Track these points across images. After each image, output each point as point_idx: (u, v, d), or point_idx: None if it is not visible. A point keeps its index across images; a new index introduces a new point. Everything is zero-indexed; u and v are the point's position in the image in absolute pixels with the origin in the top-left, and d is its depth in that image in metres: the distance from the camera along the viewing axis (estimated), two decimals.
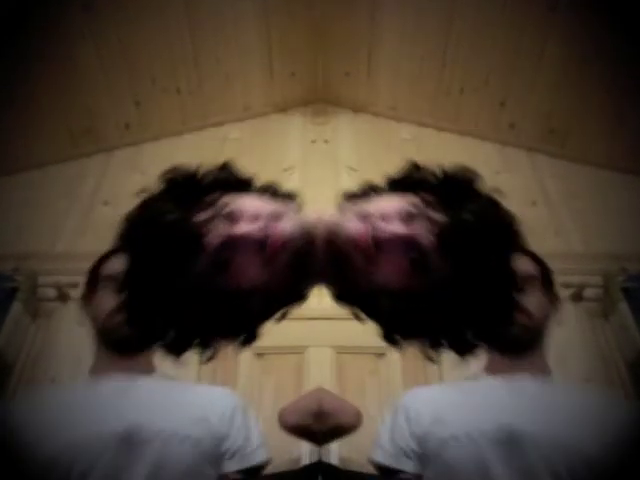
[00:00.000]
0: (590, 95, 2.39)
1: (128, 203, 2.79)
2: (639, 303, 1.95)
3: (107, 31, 2.35)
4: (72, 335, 1.99)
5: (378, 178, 2.81)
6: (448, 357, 1.94)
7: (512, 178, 2.55)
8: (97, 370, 1.10)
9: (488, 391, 1.13)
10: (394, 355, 1.89)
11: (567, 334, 1.99)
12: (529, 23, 2.31)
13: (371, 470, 1.37)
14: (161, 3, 2.35)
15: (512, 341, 1.14)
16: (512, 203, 2.70)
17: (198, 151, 2.68)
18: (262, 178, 2.82)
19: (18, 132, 2.48)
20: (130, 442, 0.97)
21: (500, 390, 1.11)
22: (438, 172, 0.77)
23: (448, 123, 2.73)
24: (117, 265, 1.13)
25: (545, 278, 1.17)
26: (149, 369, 1.16)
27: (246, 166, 2.94)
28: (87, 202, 2.46)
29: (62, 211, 2.41)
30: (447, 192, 0.73)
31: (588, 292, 2.04)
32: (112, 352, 1.12)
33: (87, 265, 2.19)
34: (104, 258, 1.20)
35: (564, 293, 2.06)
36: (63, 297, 2.06)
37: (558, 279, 2.07)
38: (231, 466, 1.08)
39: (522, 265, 1.19)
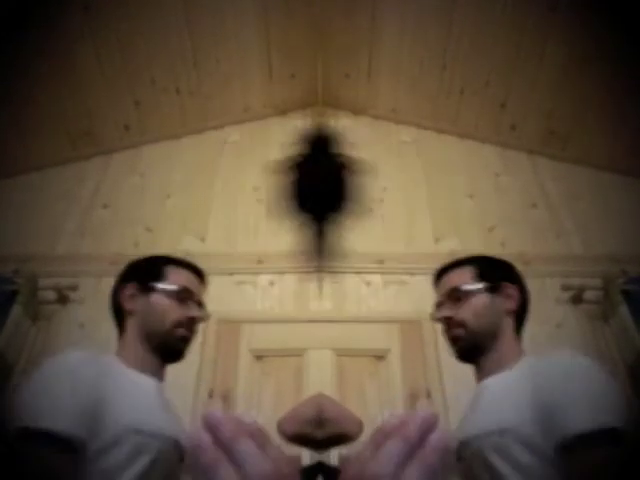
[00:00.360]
0: (591, 97, 2.39)
1: (128, 206, 2.81)
2: (639, 305, 1.94)
3: (106, 33, 2.35)
4: (72, 337, 2.00)
5: (378, 181, 2.81)
6: (447, 357, 1.94)
7: (513, 180, 2.55)
8: (129, 360, 1.10)
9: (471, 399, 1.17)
10: (394, 357, 1.89)
11: (567, 336, 1.99)
12: (529, 25, 2.31)
13: None
14: (160, 4, 2.35)
15: (460, 351, 1.17)
16: (513, 205, 2.73)
17: (198, 153, 2.68)
18: (262, 180, 2.83)
19: (17, 134, 2.48)
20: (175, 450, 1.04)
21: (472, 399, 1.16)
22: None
23: (448, 125, 2.73)
24: (185, 278, 1.18)
25: (486, 278, 1.18)
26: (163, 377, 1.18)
27: (246, 169, 2.94)
28: (86, 204, 2.46)
29: (61, 213, 2.41)
30: None
31: (588, 294, 2.04)
32: (154, 353, 1.13)
33: (87, 268, 2.21)
34: (163, 262, 1.22)
35: (564, 295, 2.06)
36: (63, 299, 2.06)
37: (558, 281, 2.08)
38: None
39: (451, 278, 1.22)
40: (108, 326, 1.99)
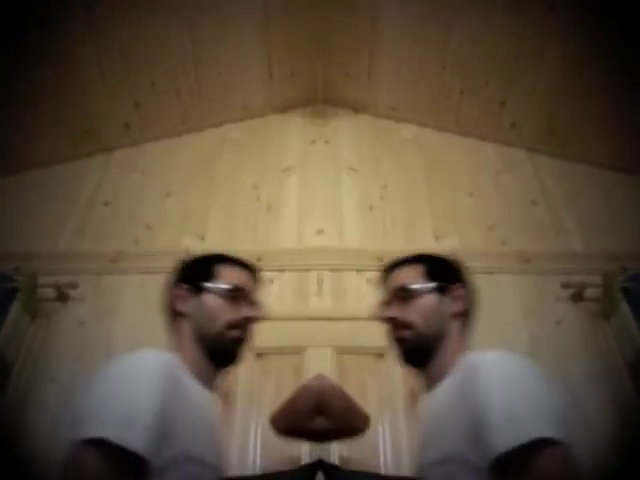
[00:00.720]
0: (591, 95, 2.39)
1: (128, 203, 2.82)
2: (639, 303, 1.94)
3: (107, 33, 2.34)
4: (72, 335, 2.00)
5: (378, 179, 2.82)
6: None
7: (513, 178, 2.55)
8: (187, 363, 1.04)
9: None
10: (394, 355, 1.89)
11: (567, 334, 1.99)
12: (529, 24, 2.31)
13: (371, 470, 1.37)
14: (161, 4, 2.35)
15: (405, 354, 1.12)
16: (513, 203, 2.73)
17: (197, 151, 2.68)
18: (261, 179, 2.84)
19: (19, 133, 2.48)
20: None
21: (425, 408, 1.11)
22: None
23: (449, 123, 2.72)
24: (237, 276, 1.14)
25: (435, 277, 1.13)
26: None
27: (245, 167, 2.95)
28: (87, 202, 2.46)
29: (62, 211, 2.41)
30: None
31: (588, 292, 2.04)
32: (207, 357, 1.07)
33: (87, 265, 2.21)
34: (214, 261, 1.17)
35: (564, 293, 2.06)
36: (63, 297, 2.06)
37: (558, 279, 2.08)
38: None
39: (399, 275, 1.16)
40: (108, 324, 2.01)
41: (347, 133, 2.77)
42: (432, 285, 1.12)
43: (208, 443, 0.98)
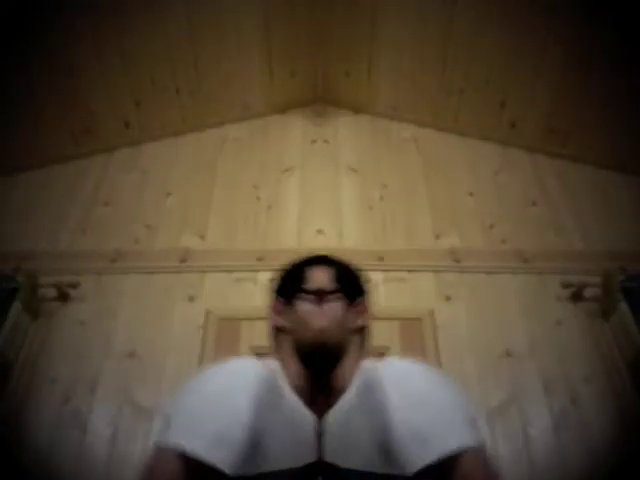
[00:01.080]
0: (590, 94, 2.39)
1: (128, 203, 2.81)
2: (639, 303, 1.95)
3: (107, 32, 2.35)
4: (72, 335, 2.00)
5: (378, 179, 2.82)
6: (447, 355, 1.93)
7: (512, 178, 2.55)
8: (288, 373, 0.98)
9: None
10: (394, 354, 1.89)
11: (567, 334, 1.99)
12: (529, 23, 2.31)
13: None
14: (161, 3, 2.36)
15: (307, 357, 1.00)
16: (513, 202, 2.72)
17: (197, 151, 2.68)
18: (261, 179, 2.83)
19: (19, 132, 2.48)
20: None
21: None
22: None
23: (448, 123, 2.73)
24: (323, 278, 1.04)
25: (343, 286, 1.05)
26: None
27: (245, 167, 2.95)
28: (87, 202, 2.46)
29: (62, 211, 2.41)
30: None
31: (588, 292, 2.04)
32: (301, 363, 0.99)
33: (87, 265, 2.21)
34: (303, 266, 1.10)
35: (564, 293, 2.07)
36: (63, 297, 2.06)
37: (558, 279, 2.08)
38: None
39: (315, 277, 1.06)
40: (109, 324, 2.01)
41: (347, 133, 2.77)
42: (342, 293, 1.04)
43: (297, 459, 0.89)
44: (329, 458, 0.90)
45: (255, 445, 0.84)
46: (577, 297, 2.05)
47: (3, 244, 2.26)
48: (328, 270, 1.08)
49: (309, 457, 0.90)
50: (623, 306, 1.94)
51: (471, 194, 2.48)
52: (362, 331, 1.07)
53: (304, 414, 0.93)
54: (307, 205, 2.43)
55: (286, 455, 0.89)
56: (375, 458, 0.86)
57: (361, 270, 1.15)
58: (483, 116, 2.66)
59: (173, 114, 2.69)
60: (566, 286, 2.05)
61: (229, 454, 0.81)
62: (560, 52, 2.34)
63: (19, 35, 2.21)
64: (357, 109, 2.87)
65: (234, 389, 0.89)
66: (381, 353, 1.87)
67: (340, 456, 0.89)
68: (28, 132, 2.48)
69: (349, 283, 1.08)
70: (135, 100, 2.58)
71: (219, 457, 0.81)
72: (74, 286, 2.07)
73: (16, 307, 1.96)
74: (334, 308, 1.01)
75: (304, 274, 1.07)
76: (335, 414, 0.94)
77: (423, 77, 2.63)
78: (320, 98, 2.88)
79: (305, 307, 1.01)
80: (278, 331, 1.06)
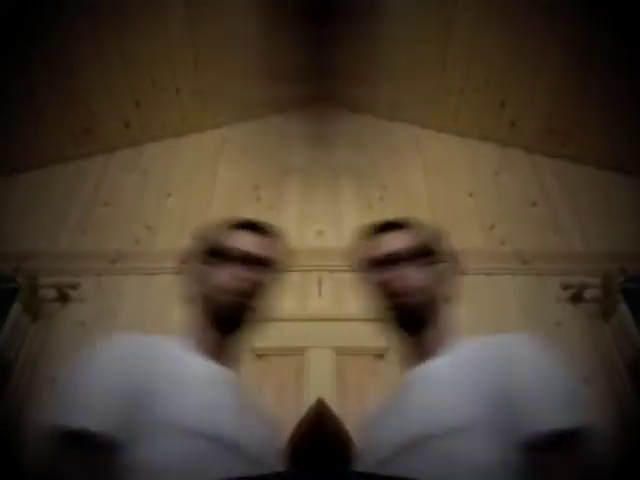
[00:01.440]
0: (590, 95, 2.39)
1: (128, 203, 2.80)
2: (638, 304, 1.95)
3: (107, 31, 2.34)
4: (72, 335, 2.00)
5: (378, 179, 2.80)
6: None
7: (512, 178, 2.55)
8: (193, 338, 1.04)
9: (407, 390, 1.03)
10: (394, 356, 1.89)
11: (567, 335, 1.99)
12: (529, 23, 2.31)
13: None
14: (161, 3, 2.35)
15: (403, 318, 1.04)
16: (512, 203, 2.72)
17: (198, 151, 2.68)
18: (262, 179, 2.82)
19: (19, 132, 2.48)
20: None
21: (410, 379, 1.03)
22: None
23: (448, 123, 2.73)
24: (243, 241, 1.07)
25: (426, 248, 1.07)
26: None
27: (246, 167, 2.93)
28: (87, 202, 2.46)
29: (62, 211, 2.41)
30: None
31: (588, 293, 2.04)
32: (218, 335, 1.04)
33: (87, 265, 2.21)
34: (222, 231, 1.12)
35: (564, 294, 2.07)
36: (63, 297, 2.07)
37: (558, 280, 2.09)
38: None
39: (394, 238, 1.09)
40: (109, 325, 2.01)
41: (347, 133, 2.77)
42: (435, 254, 1.07)
43: (212, 414, 0.92)
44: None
45: (132, 404, 0.86)
46: (577, 298, 2.05)
47: (3, 244, 2.26)
48: (414, 233, 1.11)
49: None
50: (623, 307, 1.94)
51: (471, 194, 2.48)
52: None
53: (212, 369, 0.99)
54: (307, 205, 2.43)
55: (199, 409, 0.91)
56: (477, 410, 0.86)
57: (440, 232, 1.16)
58: (483, 116, 2.65)
59: (173, 114, 2.69)
60: (566, 287, 2.05)
61: (98, 417, 0.84)
62: (560, 52, 2.34)
63: (19, 35, 2.21)
64: (357, 109, 2.86)
65: (97, 362, 0.92)
66: (381, 354, 1.88)
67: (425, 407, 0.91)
68: (28, 132, 2.48)
69: (434, 244, 1.10)
70: (135, 100, 2.58)
71: (90, 422, 0.83)
72: (74, 287, 2.07)
73: (16, 308, 1.96)
74: (427, 270, 1.05)
75: (220, 238, 1.09)
76: (428, 369, 0.98)
77: (423, 77, 2.63)
78: (320, 98, 2.88)
79: (216, 268, 1.05)
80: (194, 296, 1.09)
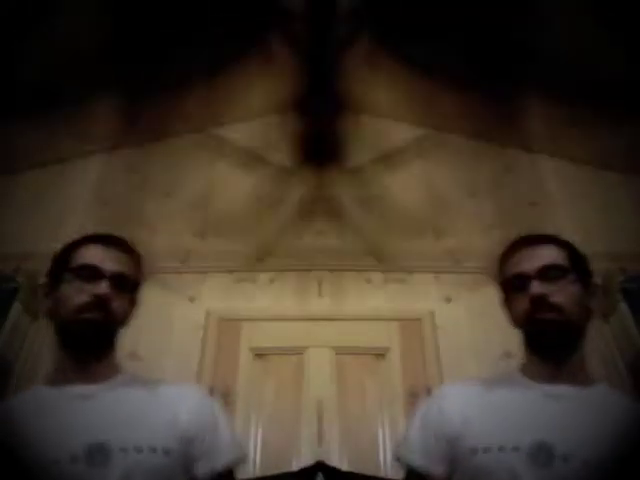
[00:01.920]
0: (590, 95, 2.39)
1: (128, 203, 2.80)
2: (638, 304, 1.95)
3: (107, 30, 2.34)
4: None
5: (378, 178, 2.79)
6: (447, 355, 1.94)
7: (513, 178, 2.55)
8: (56, 377, 0.99)
9: (522, 398, 1.00)
10: (394, 355, 1.89)
11: None
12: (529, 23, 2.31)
13: (371, 471, 1.37)
14: (162, 3, 2.35)
15: (549, 341, 1.00)
16: (513, 203, 2.71)
17: (198, 151, 2.68)
18: (262, 179, 2.81)
19: (19, 132, 2.48)
20: (95, 460, 0.89)
21: (535, 399, 0.99)
22: None
23: (449, 123, 2.72)
24: (90, 254, 1.03)
25: (576, 266, 1.03)
26: (112, 372, 1.03)
27: (245, 167, 2.93)
28: (87, 202, 2.46)
29: (62, 211, 2.41)
30: None
31: None
32: (74, 354, 0.99)
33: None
34: (72, 246, 1.09)
35: None
36: None
37: None
38: (201, 467, 1.02)
39: (547, 253, 1.05)
40: None
41: (347, 133, 2.76)
42: (580, 273, 1.03)
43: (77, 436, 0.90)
44: None
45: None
46: None
47: (3, 244, 2.26)
48: (562, 249, 1.08)
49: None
50: (623, 307, 1.94)
51: (471, 194, 2.48)
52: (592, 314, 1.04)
53: (82, 391, 0.97)
54: (308, 205, 2.43)
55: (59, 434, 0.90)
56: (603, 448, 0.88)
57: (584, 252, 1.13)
58: (483, 116, 2.65)
59: (173, 114, 2.68)
60: None
61: None
62: (560, 51, 2.33)
63: (19, 34, 2.20)
64: (357, 109, 2.86)
65: None
66: (381, 354, 1.88)
67: None
68: (28, 132, 2.48)
69: (580, 264, 1.08)
70: (135, 100, 2.57)
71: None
72: None
73: (16, 308, 1.96)
74: (573, 288, 1.01)
75: (69, 256, 1.06)
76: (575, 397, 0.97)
77: (423, 77, 2.62)
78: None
79: (66, 287, 1.00)
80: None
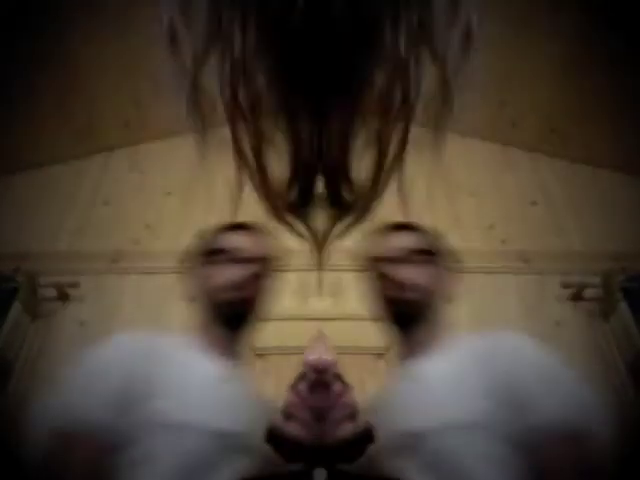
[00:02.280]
0: (591, 94, 2.39)
1: (128, 203, 2.80)
2: (639, 303, 1.95)
3: (106, 31, 2.34)
4: (72, 335, 2.00)
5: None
6: None
7: (512, 178, 2.55)
8: (203, 341, 1.07)
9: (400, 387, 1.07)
10: (394, 355, 1.89)
11: (567, 334, 1.99)
12: (529, 22, 2.31)
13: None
14: (160, 2, 2.35)
15: (400, 315, 1.10)
16: (513, 203, 2.72)
17: (198, 151, 2.68)
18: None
19: (18, 131, 2.48)
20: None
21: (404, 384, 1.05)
22: None
23: (448, 123, 2.71)
24: (231, 241, 1.15)
25: (432, 250, 1.14)
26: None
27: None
28: (87, 202, 2.46)
29: (62, 211, 2.41)
30: None
31: (588, 292, 2.04)
32: (219, 328, 1.09)
33: (87, 265, 2.21)
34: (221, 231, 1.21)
35: (564, 293, 2.07)
36: (63, 297, 2.06)
37: (558, 279, 2.09)
38: None
39: (403, 239, 1.17)
40: (109, 324, 2.01)
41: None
42: (439, 255, 1.14)
43: (214, 411, 0.94)
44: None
45: (129, 399, 0.87)
46: (577, 297, 2.05)
47: (3, 244, 2.26)
48: (422, 235, 1.20)
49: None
50: (623, 306, 1.95)
51: (471, 194, 2.48)
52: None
53: (217, 367, 1.02)
54: None
55: (202, 406, 0.93)
56: (493, 406, 0.86)
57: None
58: (483, 116, 2.65)
59: (173, 114, 2.68)
60: (566, 286, 2.05)
61: (95, 409, 0.85)
62: (560, 51, 2.33)
63: (19, 35, 2.20)
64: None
65: (97, 362, 0.94)
66: (381, 354, 1.88)
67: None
68: (28, 132, 2.48)
69: (436, 247, 1.18)
70: (135, 99, 2.57)
71: (88, 414, 0.85)
72: (74, 286, 2.07)
73: (16, 307, 1.96)
74: (431, 270, 1.12)
75: (212, 242, 1.18)
76: (422, 365, 1.02)
77: (423, 77, 2.62)
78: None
79: (209, 269, 1.11)
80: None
